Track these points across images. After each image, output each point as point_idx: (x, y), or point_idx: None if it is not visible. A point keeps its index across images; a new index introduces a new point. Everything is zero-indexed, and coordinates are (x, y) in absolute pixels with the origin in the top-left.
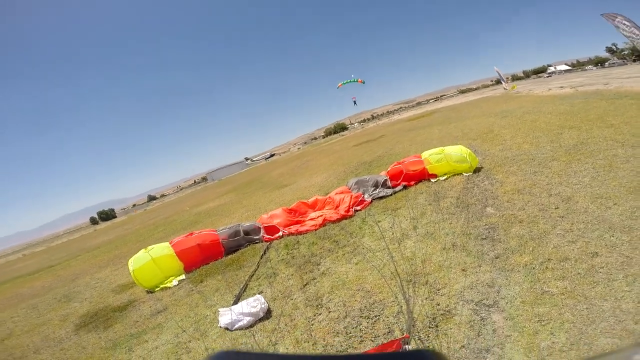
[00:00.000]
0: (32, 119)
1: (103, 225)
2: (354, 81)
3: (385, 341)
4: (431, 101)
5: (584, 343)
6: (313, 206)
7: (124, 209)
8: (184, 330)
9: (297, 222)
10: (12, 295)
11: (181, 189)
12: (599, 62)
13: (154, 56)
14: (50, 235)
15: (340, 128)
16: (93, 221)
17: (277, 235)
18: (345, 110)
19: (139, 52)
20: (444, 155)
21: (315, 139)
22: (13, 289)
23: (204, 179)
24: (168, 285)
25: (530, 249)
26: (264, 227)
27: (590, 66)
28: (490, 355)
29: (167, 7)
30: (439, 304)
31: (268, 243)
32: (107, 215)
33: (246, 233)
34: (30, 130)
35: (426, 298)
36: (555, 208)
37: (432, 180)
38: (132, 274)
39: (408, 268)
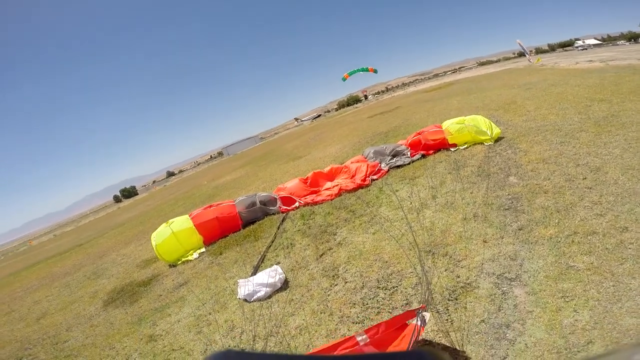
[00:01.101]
0: (44, 103)
1: (126, 202)
2: (364, 70)
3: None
4: (449, 73)
5: (608, 322)
6: (329, 175)
7: (145, 185)
8: (204, 303)
9: (313, 192)
10: (46, 274)
11: (198, 164)
12: (632, 38)
13: (170, 34)
14: (78, 215)
15: (354, 100)
16: (116, 199)
17: (293, 205)
18: (358, 83)
19: (154, 32)
20: (465, 125)
21: (329, 111)
22: (47, 268)
23: (220, 154)
24: (189, 258)
25: (556, 221)
26: (280, 197)
27: (622, 41)
28: (510, 331)
29: None
30: (458, 276)
31: (284, 214)
32: (129, 193)
33: (263, 203)
34: (47, 114)
35: (445, 270)
36: (583, 179)
37: (452, 149)
38: (155, 249)
39: (427, 238)
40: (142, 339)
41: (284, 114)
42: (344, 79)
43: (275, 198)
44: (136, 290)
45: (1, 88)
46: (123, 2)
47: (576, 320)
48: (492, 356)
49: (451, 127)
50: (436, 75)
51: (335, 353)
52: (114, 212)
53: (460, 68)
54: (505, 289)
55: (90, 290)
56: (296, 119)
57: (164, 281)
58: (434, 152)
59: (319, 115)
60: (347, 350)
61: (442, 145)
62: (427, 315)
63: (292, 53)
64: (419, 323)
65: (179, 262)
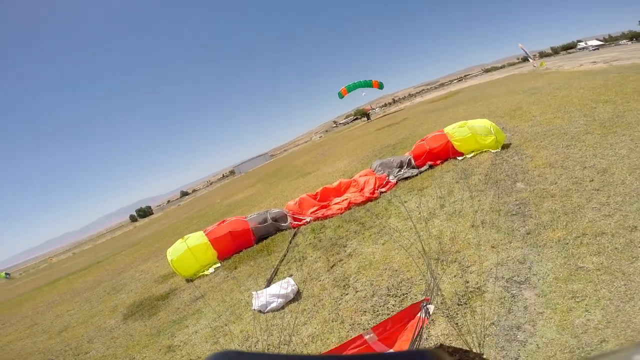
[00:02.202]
0: (61, 126)
1: (142, 221)
2: (366, 85)
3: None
4: (454, 81)
5: (621, 321)
6: (337, 189)
7: (160, 205)
8: (220, 315)
9: (323, 207)
10: (67, 290)
11: (211, 183)
12: (634, 37)
13: (180, 56)
14: (95, 235)
15: (361, 114)
16: (132, 219)
17: (304, 220)
18: (364, 97)
19: (162, 52)
20: (468, 128)
21: (336, 125)
22: (67, 284)
23: (232, 172)
24: (205, 273)
25: (564, 223)
26: (291, 213)
27: (624, 40)
28: (521, 333)
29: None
30: (468, 282)
31: (296, 229)
32: (144, 213)
33: (274, 219)
34: (63, 137)
35: (455, 276)
36: (590, 181)
37: (459, 158)
38: (171, 263)
39: (436, 246)
40: (160, 349)
41: (293, 130)
42: (341, 96)
43: (286, 214)
44: (155, 304)
45: (20, 110)
46: (140, 27)
47: (588, 320)
48: (503, 357)
49: (453, 131)
50: (442, 85)
51: (345, 353)
52: (130, 231)
53: (465, 76)
54: (514, 292)
55: (110, 305)
56: (334, 122)
57: (181, 295)
58: (442, 162)
59: (357, 118)
60: (357, 349)
61: (447, 153)
62: (431, 307)
63: (298, 68)
64: (424, 315)
65: (195, 277)
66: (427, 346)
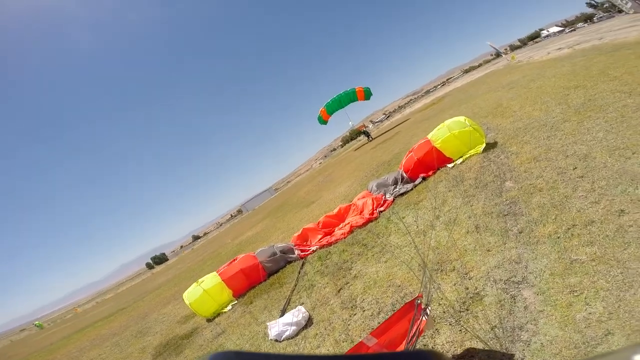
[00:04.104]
0: (74, 184)
1: (158, 268)
2: (349, 98)
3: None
4: (439, 87)
5: (623, 311)
6: (338, 215)
7: (174, 251)
8: (241, 348)
9: (327, 234)
10: (95, 336)
11: (220, 225)
12: (587, 18)
13: (170, 101)
14: (115, 283)
15: (356, 133)
16: (149, 266)
17: (310, 250)
18: (356, 115)
19: (148, 99)
20: (446, 128)
21: (335, 149)
22: (94, 331)
23: (239, 212)
24: (224, 310)
25: (553, 217)
26: (297, 245)
27: (580, 23)
28: (524, 333)
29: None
30: (467, 288)
31: (303, 259)
32: (160, 260)
33: (283, 252)
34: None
35: (454, 284)
36: (574, 168)
37: (449, 165)
38: (189, 306)
39: (434, 257)
40: None
41: (295, 159)
42: (323, 121)
43: (292, 247)
44: (180, 343)
45: (29, 167)
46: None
47: (590, 313)
48: (509, 359)
49: (434, 135)
50: (427, 92)
51: None
52: (148, 278)
53: (448, 79)
54: (513, 292)
55: (138, 347)
56: (372, 122)
57: (204, 333)
58: (434, 173)
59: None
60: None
61: (432, 158)
62: (428, 309)
63: (285, 97)
64: (421, 315)
65: (214, 316)
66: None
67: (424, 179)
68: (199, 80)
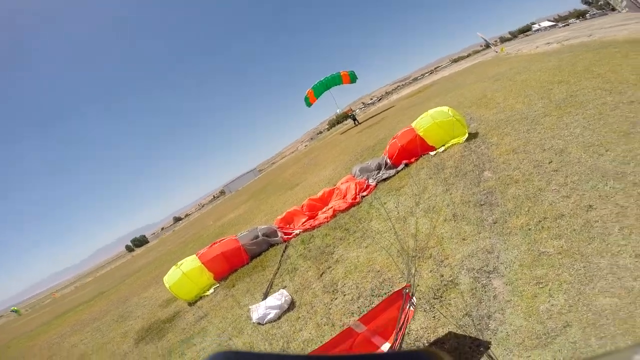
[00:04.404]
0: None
1: (138, 250)
2: (334, 81)
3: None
4: (427, 75)
5: (582, 304)
6: (322, 199)
7: (154, 233)
8: (224, 331)
9: (311, 217)
10: (76, 322)
11: (202, 206)
12: (580, 15)
13: (159, 80)
14: (95, 267)
15: (343, 117)
16: (129, 249)
17: (294, 233)
18: (342, 98)
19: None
20: (430, 117)
21: (321, 132)
22: (75, 316)
23: (222, 193)
24: (206, 294)
25: (526, 209)
26: (280, 228)
27: (572, 19)
28: (492, 322)
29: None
30: (442, 275)
31: (287, 242)
32: (140, 242)
33: (265, 235)
34: (51, 176)
35: (430, 271)
36: (549, 162)
37: (432, 153)
38: (169, 290)
39: (413, 244)
40: None
41: (280, 141)
42: (309, 103)
43: (276, 229)
44: (162, 327)
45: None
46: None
47: (552, 305)
48: (477, 346)
49: (417, 124)
50: (415, 79)
51: (338, 348)
52: (128, 260)
53: (436, 68)
54: (484, 282)
55: (120, 332)
56: (363, 104)
57: (186, 316)
58: (416, 160)
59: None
60: (349, 341)
61: (416, 146)
62: (414, 299)
63: (276, 75)
64: (408, 306)
65: (196, 299)
66: (413, 341)
67: (406, 165)
68: (184, 57)
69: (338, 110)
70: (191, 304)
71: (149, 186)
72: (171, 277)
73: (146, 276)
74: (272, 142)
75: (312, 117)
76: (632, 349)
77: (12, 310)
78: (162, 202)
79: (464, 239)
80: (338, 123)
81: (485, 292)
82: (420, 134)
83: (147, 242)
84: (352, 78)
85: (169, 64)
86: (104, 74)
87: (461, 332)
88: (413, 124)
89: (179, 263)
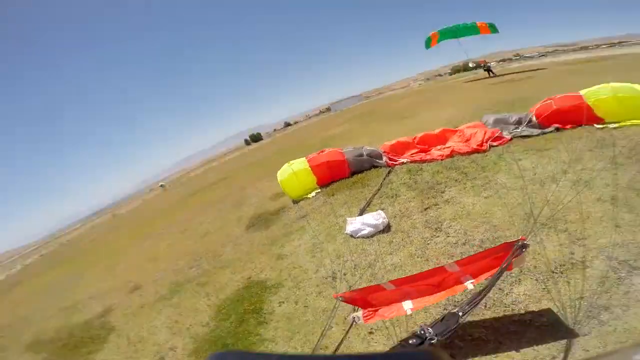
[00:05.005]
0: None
1: (254, 145)
2: (470, 31)
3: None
4: (603, 47)
5: None
6: (439, 137)
7: (267, 132)
8: (319, 234)
9: (422, 151)
10: (205, 200)
11: (309, 117)
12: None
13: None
14: (221, 153)
15: (474, 67)
16: (247, 142)
17: (400, 161)
18: (473, 50)
19: None
20: (611, 88)
21: (440, 75)
22: (205, 196)
23: (328, 109)
24: (308, 196)
25: None
26: (386, 153)
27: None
28: (606, 314)
29: None
30: (572, 253)
31: (391, 167)
32: (255, 138)
33: (369, 156)
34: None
35: (560, 244)
36: None
37: (597, 125)
38: (280, 183)
39: (547, 212)
40: (273, 256)
41: (388, 77)
42: (429, 45)
43: (381, 153)
44: (269, 218)
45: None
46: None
47: None
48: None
49: (590, 92)
50: (584, 48)
51: (425, 281)
52: (246, 153)
53: (620, 42)
54: (623, 274)
55: (236, 216)
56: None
57: (289, 213)
58: (572, 127)
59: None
60: (439, 279)
61: (579, 113)
62: (525, 251)
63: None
64: (514, 255)
65: (300, 199)
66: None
67: (557, 129)
68: None
69: (470, 60)
70: (295, 202)
71: (270, 90)
72: (282, 173)
73: (260, 169)
74: (381, 73)
75: (429, 60)
76: (632, 349)
77: (160, 185)
78: (277, 106)
79: (617, 226)
80: (465, 70)
81: (619, 285)
82: (589, 103)
83: (261, 139)
84: (492, 29)
85: None
86: None
87: (561, 314)
88: (582, 92)
89: (290, 162)
